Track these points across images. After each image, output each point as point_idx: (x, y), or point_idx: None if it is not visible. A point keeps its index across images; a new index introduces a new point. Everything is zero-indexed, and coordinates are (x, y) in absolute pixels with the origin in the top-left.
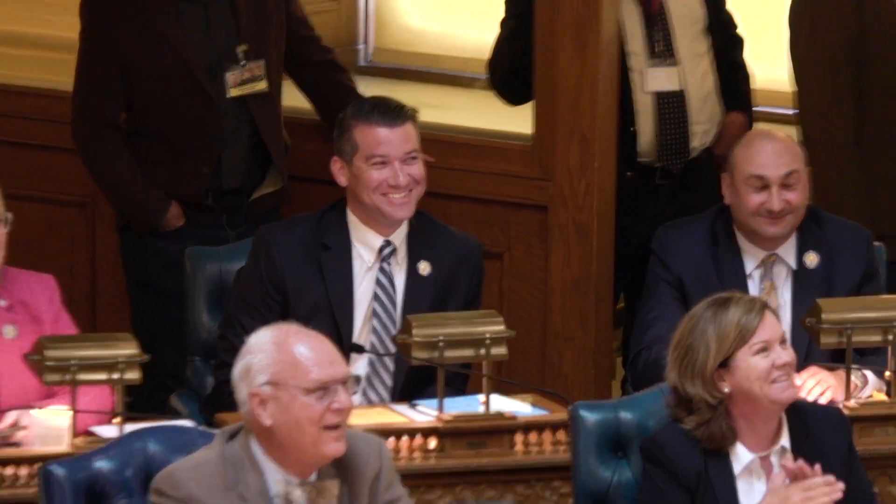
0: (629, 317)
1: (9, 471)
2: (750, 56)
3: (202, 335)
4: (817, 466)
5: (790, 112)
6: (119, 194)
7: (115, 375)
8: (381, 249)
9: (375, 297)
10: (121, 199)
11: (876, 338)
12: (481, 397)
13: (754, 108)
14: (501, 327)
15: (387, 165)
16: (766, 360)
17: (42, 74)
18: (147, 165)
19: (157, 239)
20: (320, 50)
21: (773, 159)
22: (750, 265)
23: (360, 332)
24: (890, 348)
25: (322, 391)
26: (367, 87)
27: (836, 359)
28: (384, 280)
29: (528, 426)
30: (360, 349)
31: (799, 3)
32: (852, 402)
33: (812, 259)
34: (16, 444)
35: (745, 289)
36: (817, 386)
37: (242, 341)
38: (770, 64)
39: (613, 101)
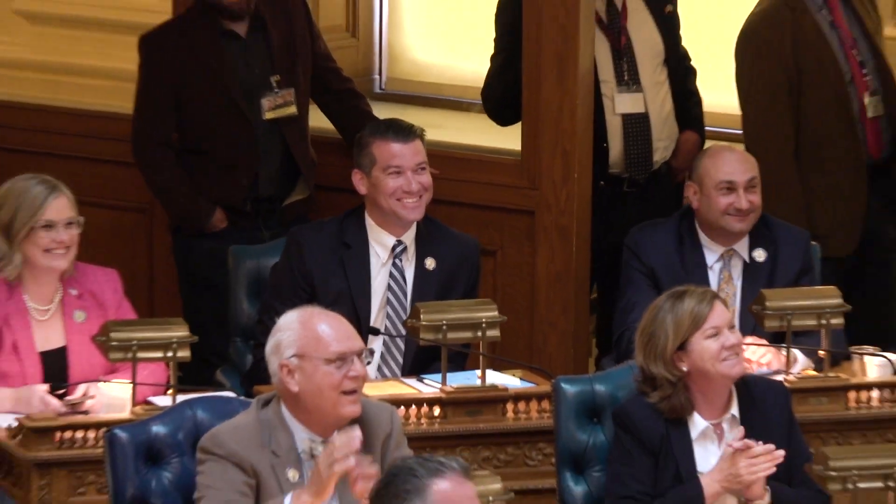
0: (601, 305)
1: (79, 434)
2: (702, 83)
3: (242, 320)
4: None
5: (737, 132)
6: (171, 201)
7: (169, 354)
8: (394, 248)
9: (389, 287)
10: (173, 205)
11: (811, 322)
12: (478, 372)
13: (706, 128)
14: (495, 313)
15: (401, 175)
16: (716, 343)
17: (107, 100)
18: (195, 177)
19: (204, 239)
20: (341, 79)
21: (738, 167)
22: (711, 258)
23: (376, 317)
24: (823, 331)
25: (340, 361)
26: (382, 111)
27: (776, 340)
28: (396, 274)
29: (518, 397)
30: (376, 331)
31: (743, 39)
32: (790, 376)
33: (760, 254)
34: (85, 412)
35: (706, 278)
36: (759, 350)
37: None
38: (719, 90)
39: (589, 122)
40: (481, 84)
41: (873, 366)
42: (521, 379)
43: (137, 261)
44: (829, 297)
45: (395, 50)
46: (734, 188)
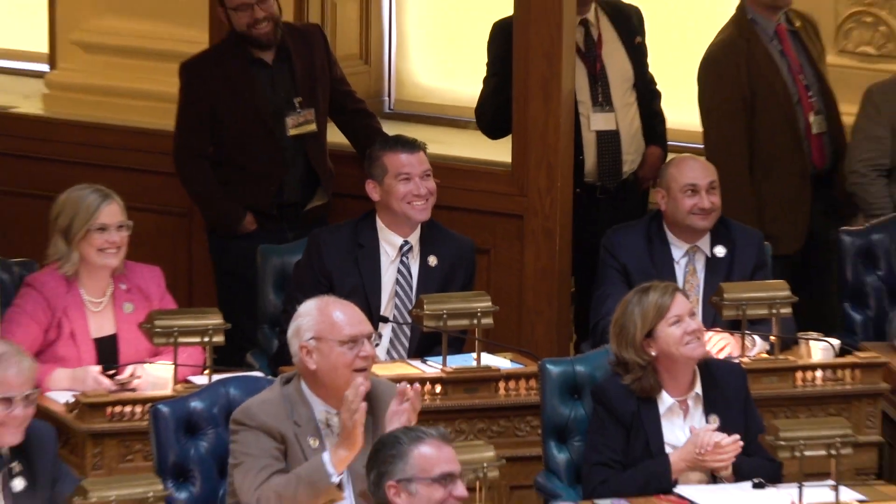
0: (579, 296)
1: (127, 409)
2: (666, 104)
3: (269, 309)
4: (727, 435)
5: (698, 146)
6: (208, 207)
7: (206, 339)
8: (401, 247)
9: (397, 282)
10: (209, 210)
11: (763, 311)
12: (474, 355)
13: (670, 142)
14: (488, 304)
15: (410, 181)
16: (679, 329)
17: (152, 119)
18: (228, 185)
19: (236, 240)
20: (355, 101)
21: (700, 172)
22: (677, 254)
23: (386, 307)
24: (774, 319)
25: (352, 343)
26: (390, 129)
27: (733, 327)
28: (403, 269)
29: (509, 376)
30: (385, 320)
31: (705, 66)
32: (746, 359)
33: (720, 250)
34: (133, 390)
35: (673, 272)
36: (721, 340)
37: None
38: (682, 110)
39: (570, 138)
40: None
41: (818, 349)
42: (511, 361)
43: (178, 259)
44: (779, 289)
45: (401, 75)
46: (697, 190)
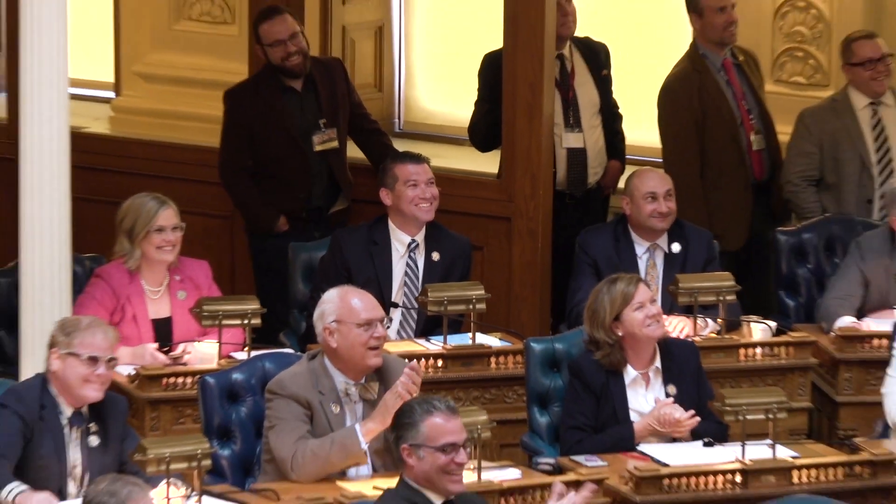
0: (554, 286)
1: (179, 380)
2: (628, 124)
3: (299, 297)
4: (684, 411)
5: (655, 159)
6: (247, 211)
7: (245, 321)
8: (409, 244)
9: (405, 273)
10: (248, 214)
11: (712, 298)
12: (470, 335)
13: (632, 156)
14: (482, 292)
15: (417, 186)
16: (641, 313)
17: (201, 137)
18: (265, 193)
19: (271, 238)
20: (370, 122)
21: (658, 182)
22: (640, 251)
23: (396, 294)
24: (721, 305)
25: (367, 325)
26: (400, 145)
27: (687, 311)
28: (411, 263)
29: (499, 352)
30: (395, 305)
31: (663, 93)
32: (698, 338)
33: (676, 247)
34: (184, 364)
35: (636, 266)
36: (679, 323)
37: None
38: (642, 130)
39: (550, 153)
40: None
41: (758, 330)
42: (500, 339)
43: (223, 255)
44: (725, 280)
45: (409, 101)
46: (656, 197)
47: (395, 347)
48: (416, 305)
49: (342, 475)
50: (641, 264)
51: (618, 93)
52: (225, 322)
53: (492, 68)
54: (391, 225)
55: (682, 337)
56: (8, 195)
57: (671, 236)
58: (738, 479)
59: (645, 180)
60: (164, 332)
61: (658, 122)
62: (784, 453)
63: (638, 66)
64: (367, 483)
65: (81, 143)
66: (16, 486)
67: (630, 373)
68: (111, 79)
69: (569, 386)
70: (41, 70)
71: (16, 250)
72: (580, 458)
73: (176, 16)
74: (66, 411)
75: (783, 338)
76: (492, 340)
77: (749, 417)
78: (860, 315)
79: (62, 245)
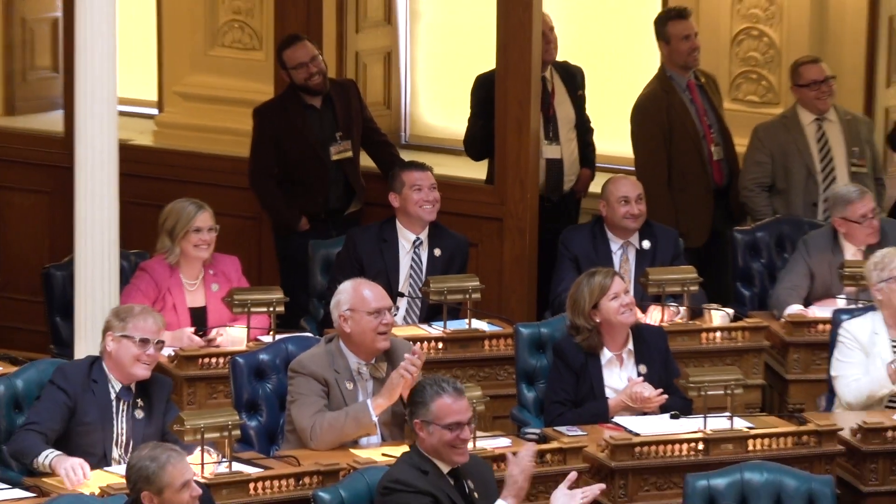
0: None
1: (213, 360)
2: (602, 137)
3: (318, 288)
4: (653, 390)
5: (624, 167)
6: (273, 212)
7: (271, 309)
8: (414, 242)
9: (411, 267)
10: (274, 215)
11: (677, 289)
12: (466, 321)
13: (605, 165)
14: (477, 283)
15: (421, 190)
16: (616, 302)
17: (232, 149)
18: (289, 197)
19: (294, 237)
20: (380, 135)
21: (630, 187)
22: (614, 247)
23: (403, 285)
24: (685, 295)
25: (377, 313)
26: (406, 155)
27: (656, 300)
28: (416, 258)
29: (492, 336)
30: (402, 295)
31: (635, 110)
32: (666, 324)
33: (646, 244)
34: (217, 346)
35: (611, 260)
36: (657, 312)
37: None
38: (614, 142)
39: (537, 162)
40: None
41: (717, 316)
42: (493, 324)
43: (251, 251)
44: (689, 273)
45: (414, 117)
46: (629, 201)
47: (401, 332)
48: (420, 295)
49: (355, 444)
50: (616, 259)
51: (593, 109)
52: (253, 309)
53: (483, 88)
54: (398, 224)
55: (660, 323)
56: (65, 199)
57: (642, 235)
58: (701, 446)
59: (619, 186)
60: (199, 319)
61: (631, 135)
62: (741, 424)
63: (610, 87)
64: (377, 451)
65: (128, 154)
66: (51, 452)
67: (606, 354)
68: (155, 97)
69: (552, 366)
70: (93, 90)
71: (71, 247)
72: (562, 429)
73: (211, 43)
74: (116, 386)
75: (740, 323)
76: (485, 326)
77: (710, 393)
78: (807, 304)
79: (111, 242)
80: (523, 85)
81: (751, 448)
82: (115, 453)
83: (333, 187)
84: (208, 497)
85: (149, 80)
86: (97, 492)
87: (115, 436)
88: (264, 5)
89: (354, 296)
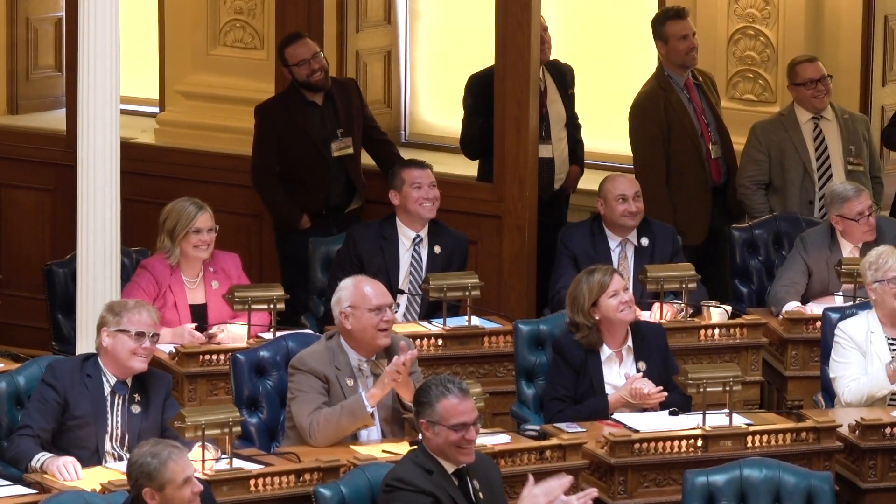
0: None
1: (214, 357)
2: (594, 135)
3: (318, 285)
4: (654, 386)
5: (615, 165)
6: (275, 209)
7: (272, 306)
8: (414, 239)
9: (411, 264)
10: (275, 212)
11: (676, 286)
12: (466, 317)
13: (597, 162)
14: (476, 280)
15: (421, 188)
16: (616, 300)
17: (234, 147)
18: (290, 193)
19: (295, 234)
20: (380, 133)
21: (628, 185)
22: (613, 245)
23: (403, 283)
24: (683, 291)
25: (378, 310)
26: (406, 153)
27: (655, 297)
28: (416, 255)
29: (492, 332)
30: (402, 292)
31: (633, 109)
32: (664, 320)
33: (644, 241)
34: (218, 343)
35: (609, 258)
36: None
37: None
38: (608, 140)
39: (535, 161)
40: None
41: (716, 313)
42: (493, 321)
43: (252, 248)
44: (687, 270)
45: (414, 115)
46: (626, 199)
47: (401, 328)
48: (420, 292)
49: (355, 439)
50: (614, 256)
51: (590, 108)
52: (254, 307)
53: (479, 86)
54: (398, 222)
55: (659, 320)
56: (67, 197)
57: (640, 232)
58: (700, 443)
59: (616, 184)
60: (200, 316)
61: (629, 133)
62: (739, 421)
63: (607, 86)
64: (377, 447)
65: (130, 152)
66: (42, 455)
67: (605, 351)
68: (156, 96)
69: (552, 362)
70: (96, 88)
71: (73, 244)
72: (562, 426)
73: (213, 42)
74: (111, 381)
75: (738, 320)
76: (485, 322)
77: (709, 389)
78: (804, 301)
79: (113, 240)
80: (522, 84)
81: (750, 444)
82: (109, 447)
83: (335, 184)
84: (209, 494)
85: (151, 79)
86: (98, 488)
87: (109, 430)
88: (265, 5)
89: (355, 293)
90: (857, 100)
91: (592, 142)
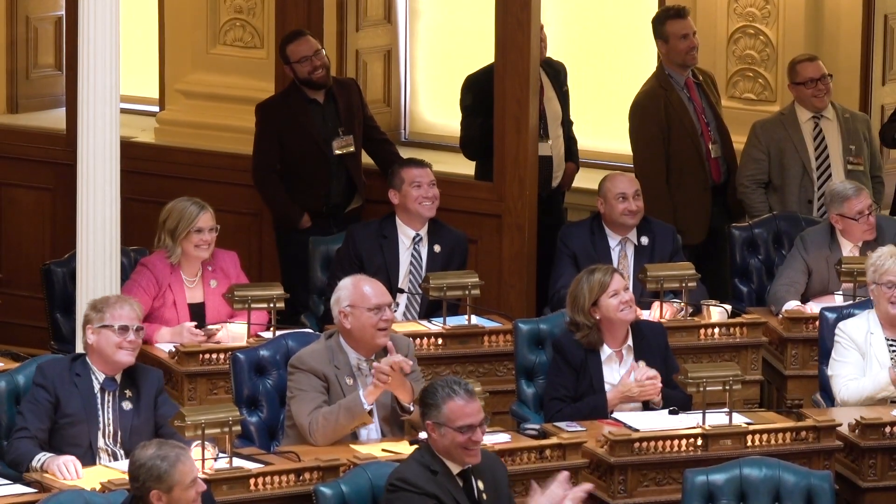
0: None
1: (214, 356)
2: (591, 134)
3: (318, 284)
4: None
5: (611, 163)
6: (275, 208)
7: (271, 305)
8: (414, 238)
9: (410, 263)
10: (276, 211)
11: (675, 285)
12: (466, 317)
13: (593, 161)
14: (476, 279)
15: (421, 187)
16: (616, 299)
17: (234, 146)
18: (291, 192)
19: (295, 233)
20: (380, 133)
21: (628, 184)
22: (613, 244)
23: (403, 282)
24: (683, 290)
25: (377, 309)
26: (405, 152)
27: (654, 296)
28: (415, 254)
29: (491, 332)
30: (402, 291)
31: (633, 108)
32: (664, 320)
33: (644, 240)
34: (217, 342)
35: (609, 257)
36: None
37: None
38: (604, 139)
39: (535, 160)
40: None
41: (716, 313)
42: (493, 320)
43: (252, 246)
44: (687, 269)
45: (413, 114)
46: (626, 197)
47: (401, 328)
48: (419, 291)
49: (354, 438)
50: (614, 255)
51: (589, 107)
52: (254, 306)
53: (478, 85)
54: (398, 221)
55: (659, 319)
56: (67, 196)
57: (640, 231)
58: (700, 442)
59: (616, 183)
60: (198, 315)
61: (629, 132)
62: (739, 420)
63: (606, 85)
64: (377, 446)
65: (130, 151)
66: (42, 455)
67: (606, 350)
68: (156, 95)
69: (552, 362)
70: (96, 87)
71: (72, 243)
72: (562, 425)
73: (213, 41)
74: (100, 378)
75: (738, 319)
76: (485, 321)
77: (709, 389)
78: (804, 300)
79: (113, 239)
80: (522, 83)
81: (749, 444)
82: (102, 443)
83: (335, 182)
84: (208, 493)
85: (151, 78)
86: (98, 487)
87: (101, 427)
88: (265, 4)
89: (354, 292)
90: (856, 99)
91: (592, 141)
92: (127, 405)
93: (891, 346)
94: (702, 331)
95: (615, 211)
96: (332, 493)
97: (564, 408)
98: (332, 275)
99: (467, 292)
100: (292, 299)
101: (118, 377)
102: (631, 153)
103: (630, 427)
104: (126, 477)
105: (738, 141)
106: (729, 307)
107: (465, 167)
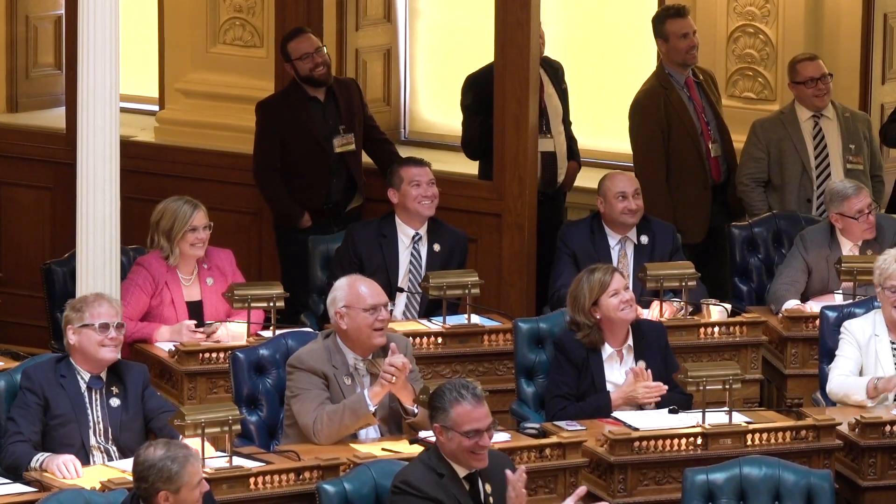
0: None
1: (213, 355)
2: (591, 134)
3: (318, 283)
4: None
5: (610, 162)
6: (275, 207)
7: (271, 304)
8: (413, 237)
9: (410, 262)
10: (277, 210)
11: (675, 284)
12: (466, 316)
13: (593, 159)
14: (476, 278)
15: (420, 186)
16: (616, 299)
17: (234, 144)
18: (291, 191)
19: (295, 232)
20: (379, 132)
21: (627, 183)
22: (612, 243)
23: (402, 281)
24: (682, 290)
25: (373, 309)
26: (405, 152)
27: (654, 295)
28: (415, 253)
29: (491, 331)
30: (401, 290)
31: (633, 107)
32: (663, 319)
33: (644, 239)
34: (217, 341)
35: (609, 256)
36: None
37: None
38: (604, 138)
39: (535, 158)
40: None
41: (715, 312)
42: (493, 319)
43: (251, 246)
44: (687, 268)
45: (413, 114)
46: (626, 196)
47: (400, 327)
48: (419, 290)
49: (354, 438)
50: (614, 254)
51: (589, 106)
52: (253, 305)
53: (479, 84)
54: (398, 220)
55: (659, 318)
56: (66, 195)
57: (640, 230)
58: (700, 441)
59: (616, 182)
60: (196, 313)
61: (629, 131)
62: (739, 419)
63: (606, 84)
64: (376, 445)
65: (130, 150)
66: (41, 455)
67: (607, 350)
68: (156, 94)
69: (553, 360)
70: (96, 86)
71: (72, 242)
72: (562, 424)
73: (212, 40)
74: (85, 377)
75: (738, 318)
76: (485, 321)
77: (709, 388)
78: (804, 299)
79: (112, 238)
80: (521, 82)
81: (749, 443)
82: (94, 441)
83: (336, 180)
84: (208, 492)
85: (150, 77)
86: (98, 486)
87: (91, 425)
88: (265, 3)
89: (350, 292)
90: (856, 98)
91: (592, 140)
92: (115, 402)
93: (895, 348)
94: (702, 330)
95: (615, 210)
96: (335, 491)
97: (568, 406)
98: (332, 274)
99: (467, 291)
100: (292, 298)
101: (103, 375)
102: (631, 152)
103: (630, 426)
104: (126, 476)
105: (738, 140)
106: (729, 306)
107: (464, 166)
